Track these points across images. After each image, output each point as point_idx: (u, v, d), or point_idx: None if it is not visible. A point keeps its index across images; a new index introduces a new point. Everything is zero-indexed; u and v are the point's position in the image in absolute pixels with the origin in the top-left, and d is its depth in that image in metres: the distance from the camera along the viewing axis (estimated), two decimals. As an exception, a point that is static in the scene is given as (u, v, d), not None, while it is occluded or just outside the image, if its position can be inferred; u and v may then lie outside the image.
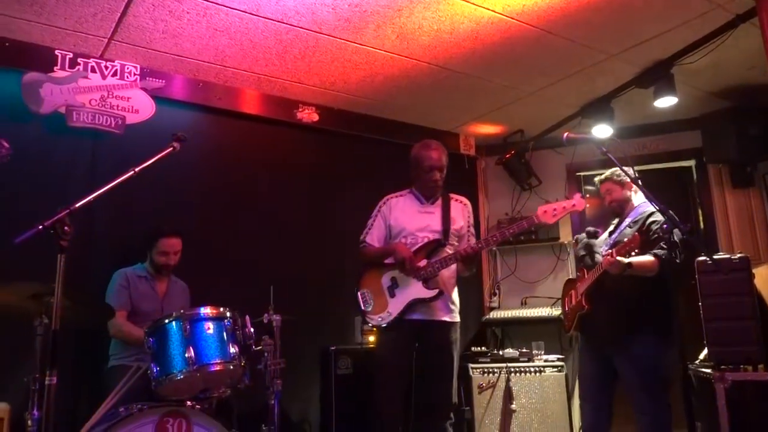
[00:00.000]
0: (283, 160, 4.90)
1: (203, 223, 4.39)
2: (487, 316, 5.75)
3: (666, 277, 3.38)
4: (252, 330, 3.29)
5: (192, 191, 4.41)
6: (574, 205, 3.17)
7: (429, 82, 4.61)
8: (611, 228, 3.77)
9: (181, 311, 3.10)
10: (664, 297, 3.42)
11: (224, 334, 3.12)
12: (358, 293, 3.37)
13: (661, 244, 3.28)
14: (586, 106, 5.15)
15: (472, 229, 3.48)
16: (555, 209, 3.15)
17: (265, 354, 3.40)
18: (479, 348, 5.18)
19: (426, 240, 3.32)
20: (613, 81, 4.74)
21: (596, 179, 3.87)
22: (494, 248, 6.11)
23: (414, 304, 3.23)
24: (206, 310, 3.14)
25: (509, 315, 5.61)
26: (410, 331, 3.25)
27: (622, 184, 3.69)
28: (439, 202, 3.44)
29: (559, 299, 4.59)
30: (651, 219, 3.49)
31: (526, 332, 5.52)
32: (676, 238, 3.31)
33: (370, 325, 3.37)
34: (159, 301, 3.77)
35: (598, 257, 3.55)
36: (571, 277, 3.90)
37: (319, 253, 4.92)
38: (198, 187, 4.44)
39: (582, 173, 5.96)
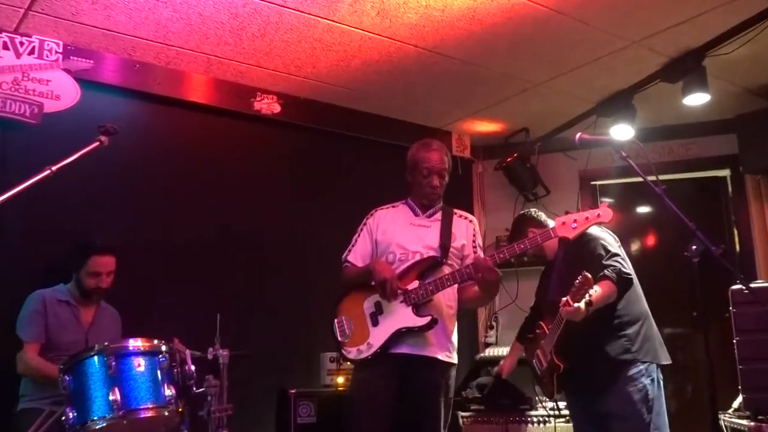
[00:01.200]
0: (238, 161, 4.90)
1: (137, 237, 4.36)
2: (482, 354, 5.76)
3: (624, 292, 3.41)
4: (193, 368, 3.26)
5: (124, 197, 4.38)
6: (599, 216, 3.14)
7: (416, 69, 4.64)
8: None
9: (105, 344, 3.06)
10: (637, 323, 3.46)
11: (158, 372, 3.09)
12: (335, 321, 3.35)
13: (603, 262, 3.34)
14: (603, 102, 5.22)
15: (479, 251, 3.43)
16: (576, 221, 3.11)
17: (209, 397, 3.36)
18: (472, 392, 5.19)
19: (419, 257, 3.33)
20: (635, 73, 4.81)
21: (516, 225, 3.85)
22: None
23: (401, 335, 3.20)
24: (136, 343, 3.10)
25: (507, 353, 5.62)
26: (394, 368, 3.20)
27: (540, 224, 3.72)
28: (439, 215, 3.44)
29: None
30: (584, 239, 3.47)
31: (528, 374, 5.52)
32: (610, 249, 3.36)
33: (348, 359, 3.32)
34: (83, 331, 3.73)
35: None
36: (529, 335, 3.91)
37: (279, 275, 4.90)
38: (131, 191, 4.42)
39: (598, 182, 6.02)
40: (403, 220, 3.44)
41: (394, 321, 3.22)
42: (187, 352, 3.29)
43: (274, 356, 4.64)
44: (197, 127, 4.76)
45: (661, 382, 3.44)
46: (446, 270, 3.28)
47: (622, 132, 5.02)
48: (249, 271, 4.76)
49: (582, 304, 3.19)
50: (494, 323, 6.07)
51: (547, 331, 3.55)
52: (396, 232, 3.39)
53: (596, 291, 3.26)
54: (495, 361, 5.64)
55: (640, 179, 3.42)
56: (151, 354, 3.11)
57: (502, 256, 3.15)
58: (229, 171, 4.86)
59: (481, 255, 3.39)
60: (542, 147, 5.87)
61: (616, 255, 3.40)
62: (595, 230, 3.47)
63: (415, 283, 3.24)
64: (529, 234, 3.49)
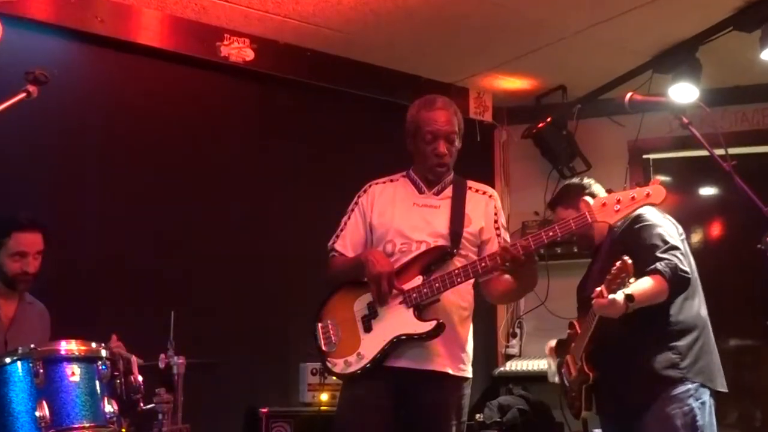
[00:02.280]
0: (200, 121, 4.89)
1: (71, 214, 4.35)
2: (502, 368, 5.79)
3: (678, 294, 3.42)
4: (140, 378, 3.26)
5: (55, 163, 4.37)
6: (648, 195, 3.12)
7: (425, 8, 4.62)
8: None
9: (31, 347, 3.05)
10: (692, 332, 3.47)
11: (96, 383, 3.09)
12: (318, 326, 3.36)
13: (656, 254, 3.36)
14: (660, 55, 5.20)
15: (504, 233, 3.41)
16: (620, 202, 3.08)
17: (160, 416, 3.37)
18: (490, 415, 5.22)
19: (424, 247, 3.35)
20: (701, 19, 4.80)
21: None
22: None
23: (399, 344, 3.21)
24: (70, 347, 3.09)
25: (535, 367, 5.65)
26: (391, 385, 3.21)
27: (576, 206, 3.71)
28: (449, 191, 3.41)
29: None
30: (638, 225, 3.51)
31: (560, 394, 5.56)
32: (669, 240, 3.38)
33: (333, 374, 3.33)
34: (2, 330, 3.73)
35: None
36: (561, 337, 3.97)
37: (250, 264, 4.91)
38: (64, 156, 4.41)
39: (652, 155, 6.02)
40: (404, 199, 3.40)
41: (391, 326, 3.21)
42: (133, 358, 3.29)
43: (242, 366, 4.66)
44: (149, 77, 4.75)
45: (713, 409, 3.45)
46: (458, 262, 3.26)
47: (683, 93, 5.01)
48: (211, 260, 4.77)
49: (619, 297, 3.20)
50: (518, 330, 6.08)
51: (578, 332, 3.59)
52: (396, 216, 3.36)
53: (641, 284, 3.27)
54: (518, 377, 5.68)
55: (704, 153, 3.42)
56: (87, 360, 3.10)
57: (535, 241, 3.09)
58: (189, 133, 4.85)
59: (506, 237, 3.39)
60: (582, 110, 5.86)
61: (675, 248, 3.39)
62: (653, 214, 3.49)
63: (418, 280, 3.22)
64: (581, 206, 3.49)
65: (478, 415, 5.31)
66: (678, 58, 5.08)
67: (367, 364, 3.20)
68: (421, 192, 3.40)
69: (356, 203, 3.48)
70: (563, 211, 3.71)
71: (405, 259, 3.26)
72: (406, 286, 3.20)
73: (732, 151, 3.23)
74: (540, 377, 5.59)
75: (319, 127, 5.30)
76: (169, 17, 4.70)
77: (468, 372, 3.34)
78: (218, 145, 4.95)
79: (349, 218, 3.47)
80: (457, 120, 3.38)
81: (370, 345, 3.21)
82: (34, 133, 4.23)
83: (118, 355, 3.25)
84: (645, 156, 5.98)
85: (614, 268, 3.19)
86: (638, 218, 3.47)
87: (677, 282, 3.35)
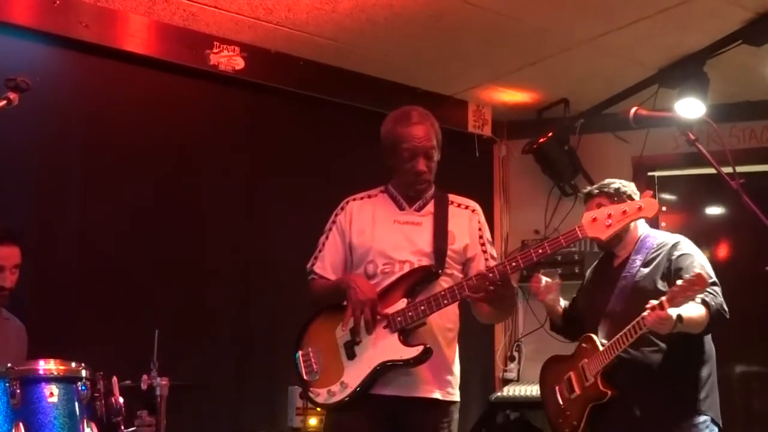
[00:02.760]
0: (187, 131, 4.90)
1: (53, 225, 4.36)
2: (499, 393, 5.78)
3: (712, 331, 3.52)
4: (122, 400, 3.24)
5: (34, 173, 4.37)
6: (640, 209, 3.14)
7: (423, 17, 4.64)
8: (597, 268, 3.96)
9: (8, 366, 3.04)
10: (710, 363, 3.57)
11: (76, 404, 3.07)
12: (299, 354, 3.35)
13: (707, 289, 3.41)
14: (667, 68, 5.23)
15: (489, 248, 3.44)
16: (610, 216, 3.13)
17: (142, 439, 3.37)
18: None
19: (408, 267, 3.34)
20: (709, 31, 4.82)
21: (586, 190, 4.00)
22: (515, 287, 6.14)
23: (384, 371, 3.20)
24: (48, 366, 3.08)
25: (535, 393, 5.63)
26: (378, 413, 3.21)
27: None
28: (431, 207, 3.42)
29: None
30: (678, 252, 3.63)
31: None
32: (712, 274, 3.47)
33: (317, 404, 3.31)
34: (-24, 347, 3.74)
35: (606, 323, 3.67)
36: (560, 353, 4.00)
37: (237, 283, 4.90)
38: (44, 166, 4.41)
39: (657, 172, 6.04)
40: (384, 216, 3.39)
41: (376, 353, 3.19)
42: (114, 379, 3.28)
43: (227, 388, 4.65)
44: (135, 85, 4.75)
45: None
46: (443, 282, 3.26)
47: (690, 108, 5.03)
48: (197, 277, 4.77)
49: (673, 314, 3.25)
50: (516, 354, 6.09)
51: (599, 347, 3.60)
52: (376, 234, 3.34)
53: (693, 309, 3.34)
54: (516, 402, 5.67)
55: (711, 170, 3.45)
56: (67, 381, 3.09)
57: (515, 264, 3.11)
58: (176, 144, 4.86)
59: (493, 252, 3.41)
60: (585, 125, 5.89)
61: (717, 285, 3.47)
62: (689, 244, 3.66)
63: (403, 303, 3.21)
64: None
65: (474, 443, 5.31)
66: (685, 71, 5.11)
67: (351, 393, 3.19)
68: (401, 208, 3.39)
69: (334, 222, 3.46)
70: (607, 202, 3.72)
71: (388, 281, 3.25)
72: (390, 310, 3.19)
73: (740, 168, 3.25)
74: (539, 403, 5.59)
75: (311, 139, 5.31)
76: (156, 23, 4.72)
77: (456, 395, 3.34)
78: (207, 155, 4.96)
79: (327, 238, 3.45)
80: (435, 132, 3.36)
81: (354, 373, 3.20)
82: (14, 142, 4.23)
83: (99, 377, 3.24)
84: (650, 173, 6.00)
85: (685, 280, 3.24)
86: (677, 245, 3.63)
87: (718, 319, 3.43)
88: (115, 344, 4.17)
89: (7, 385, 2.98)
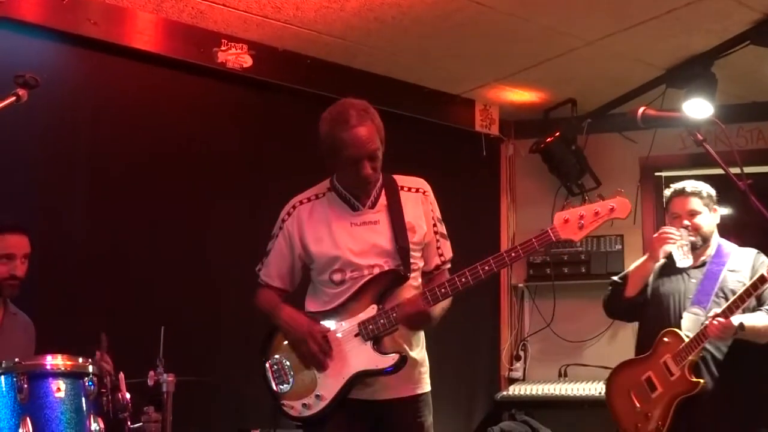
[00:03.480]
0: (194, 128, 4.91)
1: (60, 220, 4.37)
2: (505, 393, 5.78)
3: None
4: (128, 396, 3.25)
5: (42, 169, 4.38)
6: (612, 209, 3.09)
7: (431, 16, 4.64)
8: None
9: (16, 360, 3.05)
10: None
11: (83, 399, 3.08)
12: (267, 364, 3.27)
13: None
14: (675, 68, 5.23)
15: (439, 227, 3.34)
16: (582, 217, 3.07)
17: (148, 436, 3.38)
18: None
19: (377, 271, 3.18)
20: (717, 32, 4.82)
21: (672, 188, 4.01)
22: (521, 286, 6.17)
23: (359, 380, 3.14)
24: (56, 361, 3.09)
25: (540, 392, 5.65)
26: (359, 416, 3.18)
27: (712, 207, 3.96)
28: (383, 200, 3.29)
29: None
30: (761, 259, 3.81)
31: (565, 420, 5.57)
32: None
33: (291, 418, 3.22)
34: (-16, 341, 3.75)
35: (693, 317, 3.78)
36: (631, 357, 4.05)
37: (244, 279, 4.89)
38: (51, 162, 4.42)
39: (664, 173, 6.04)
40: (339, 219, 3.26)
41: (350, 363, 3.13)
42: (121, 375, 3.29)
43: (233, 385, 4.65)
44: (142, 82, 4.76)
45: None
46: (412, 281, 3.20)
47: (697, 109, 5.03)
48: (204, 273, 4.78)
49: (738, 322, 3.43)
50: (522, 353, 6.09)
51: (684, 339, 3.70)
52: (337, 241, 3.22)
53: (758, 319, 3.54)
54: (521, 401, 5.68)
55: (719, 171, 3.45)
56: (74, 376, 3.10)
57: (488, 268, 3.05)
58: (184, 141, 4.87)
59: (443, 231, 3.33)
60: (593, 125, 5.89)
61: None
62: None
63: (373, 309, 3.14)
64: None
65: (479, 442, 5.32)
66: (693, 72, 5.11)
67: (327, 404, 3.14)
68: (355, 209, 3.27)
69: (281, 228, 3.36)
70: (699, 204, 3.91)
71: (355, 288, 3.17)
72: (361, 317, 3.13)
73: (748, 169, 3.26)
74: (545, 402, 5.61)
75: (318, 137, 5.29)
76: (164, 21, 4.72)
77: (427, 385, 3.29)
78: (214, 153, 4.96)
79: (274, 243, 3.37)
80: (377, 128, 3.21)
81: (329, 384, 3.14)
82: (23, 138, 4.25)
83: (105, 372, 3.25)
84: (657, 173, 6.00)
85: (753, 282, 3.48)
86: (759, 255, 3.86)
87: None
88: (121, 340, 4.18)
89: (14, 380, 3.00)
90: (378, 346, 3.12)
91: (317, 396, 3.14)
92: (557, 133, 5.83)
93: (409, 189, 3.33)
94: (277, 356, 3.25)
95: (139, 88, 4.76)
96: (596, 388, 5.47)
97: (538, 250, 3.16)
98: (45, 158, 4.41)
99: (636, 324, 4.23)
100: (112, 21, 4.57)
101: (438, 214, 3.34)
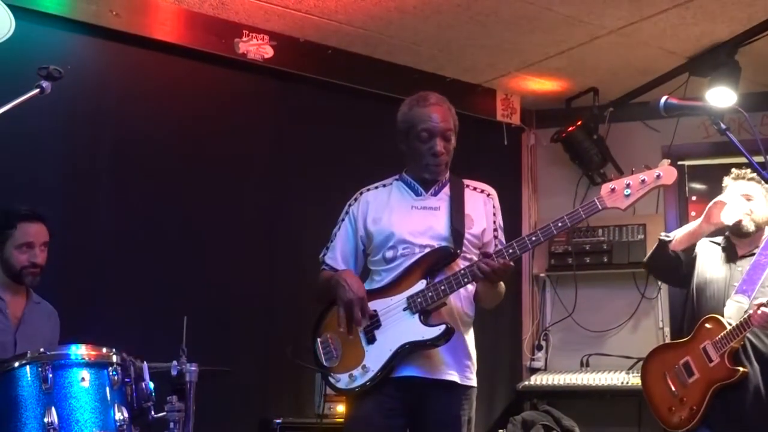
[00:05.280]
0: (216, 118, 4.92)
1: (84, 210, 4.40)
2: (526, 383, 5.78)
3: None
4: (152, 385, 3.27)
5: (66, 159, 4.42)
6: (659, 177, 3.10)
7: (451, 6, 4.64)
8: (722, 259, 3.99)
9: (41, 351, 3.07)
10: None
11: (107, 389, 3.10)
12: (318, 341, 3.34)
13: None
14: (698, 56, 5.19)
15: (500, 234, 3.41)
16: (630, 185, 3.10)
17: (171, 424, 3.37)
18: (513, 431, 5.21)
19: (427, 250, 3.26)
20: (741, 20, 4.78)
21: (733, 173, 3.98)
22: (542, 275, 6.15)
23: (406, 353, 3.18)
24: (80, 351, 3.11)
25: (562, 382, 5.64)
26: (399, 400, 3.20)
27: None
28: (446, 191, 3.39)
29: (640, 360, 4.62)
30: None
31: (587, 410, 5.57)
32: None
33: (338, 390, 3.30)
34: (11, 330, 3.75)
35: (737, 305, 3.77)
36: (667, 341, 4.05)
37: (266, 268, 4.92)
38: (76, 152, 4.45)
39: (687, 162, 5.99)
40: (401, 202, 3.37)
41: (397, 335, 3.17)
42: (145, 365, 3.30)
43: (256, 375, 4.68)
44: (164, 73, 4.78)
45: None
46: (462, 265, 3.22)
47: (721, 97, 5.00)
48: (226, 263, 4.79)
49: None
50: (544, 343, 6.08)
51: (726, 326, 3.69)
52: (394, 221, 3.32)
53: None
54: (543, 391, 5.67)
55: (742, 159, 3.42)
56: (98, 366, 3.12)
57: (534, 238, 3.11)
58: (205, 131, 4.88)
59: (502, 239, 3.38)
60: (615, 114, 5.86)
61: None
62: None
63: (422, 284, 3.19)
64: None
65: (501, 431, 5.30)
66: (716, 60, 5.07)
67: (373, 377, 3.17)
68: (417, 194, 3.36)
69: (347, 212, 3.45)
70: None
71: (407, 263, 3.24)
72: (410, 291, 3.18)
73: (772, 159, 3.21)
74: (567, 392, 5.60)
75: (339, 127, 5.31)
76: (186, 12, 4.73)
77: (474, 381, 3.32)
78: (235, 143, 4.97)
79: (339, 229, 3.45)
80: (452, 116, 3.34)
81: (376, 356, 3.18)
82: (47, 129, 4.28)
83: (129, 362, 3.26)
84: (680, 162, 5.94)
85: None
86: None
87: None
88: (145, 329, 4.21)
89: (39, 369, 3.02)
90: (425, 319, 3.16)
91: (363, 367, 3.18)
92: (579, 122, 5.80)
93: (475, 189, 3.42)
94: (327, 334, 3.31)
95: (161, 79, 4.78)
96: (618, 378, 5.45)
97: (584, 219, 3.15)
98: (69, 149, 4.44)
99: (660, 312, 4.24)
100: (134, 12, 4.59)
101: (501, 222, 3.42)
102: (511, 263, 3.11)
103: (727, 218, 3.79)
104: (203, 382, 3.61)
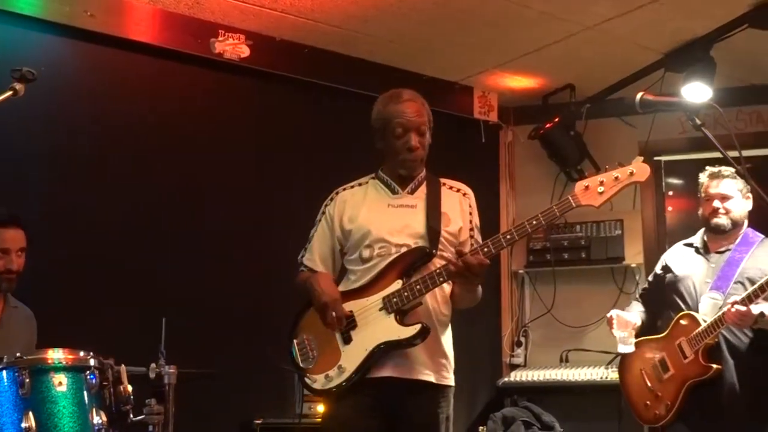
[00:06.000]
0: (192, 118, 4.91)
1: (60, 212, 4.37)
2: (506, 379, 5.79)
3: None
4: (130, 388, 3.25)
5: (39, 161, 4.38)
6: (632, 174, 3.14)
7: (429, 4, 4.63)
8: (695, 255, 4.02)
9: (17, 355, 3.06)
10: None
11: (85, 393, 3.09)
12: (294, 342, 3.34)
13: None
14: (674, 52, 5.21)
15: (476, 234, 3.41)
16: (603, 183, 3.13)
17: (150, 427, 3.36)
18: (494, 427, 5.21)
19: (403, 250, 3.24)
20: (716, 15, 4.80)
21: (708, 171, 4.00)
22: (521, 272, 6.16)
23: (382, 353, 3.17)
24: (57, 355, 3.09)
25: (542, 378, 5.66)
26: (376, 401, 3.20)
27: (745, 193, 3.92)
28: (423, 189, 3.39)
29: (618, 356, 4.65)
30: None
31: (566, 406, 5.60)
32: None
33: (314, 391, 3.27)
34: (-14, 335, 3.75)
35: (711, 301, 3.80)
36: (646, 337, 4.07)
37: (245, 269, 4.91)
38: (54, 153, 4.42)
39: (663, 157, 6.03)
40: (377, 201, 3.37)
41: (373, 335, 3.17)
42: (123, 368, 3.29)
43: (236, 376, 4.65)
44: (140, 74, 4.76)
45: None
46: (438, 264, 3.22)
47: (696, 93, 5.02)
48: (205, 264, 4.77)
49: (759, 311, 3.45)
50: (523, 339, 6.09)
51: (702, 323, 3.71)
52: (370, 219, 3.32)
53: None
54: (523, 387, 5.69)
55: (717, 154, 3.45)
56: (76, 370, 3.10)
57: (509, 237, 3.10)
58: (182, 132, 4.86)
59: (479, 239, 3.36)
60: (592, 110, 5.88)
61: None
62: None
63: (398, 284, 3.20)
64: None
65: (481, 428, 5.32)
66: (692, 55, 5.09)
67: (349, 376, 3.17)
68: (394, 192, 3.37)
69: (323, 213, 3.46)
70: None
71: (383, 263, 3.24)
72: (386, 291, 3.19)
73: (746, 153, 3.25)
74: (546, 388, 5.62)
75: (316, 127, 5.30)
76: (161, 12, 4.71)
77: (451, 380, 3.32)
78: (213, 143, 4.95)
79: (316, 230, 3.45)
80: (427, 112, 3.35)
81: (352, 356, 3.18)
82: (21, 132, 4.24)
83: (107, 365, 3.24)
84: (656, 158, 5.98)
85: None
86: None
87: None
88: (123, 331, 4.18)
89: (16, 374, 3.00)
90: (401, 319, 3.16)
91: (339, 368, 3.19)
92: (556, 119, 5.81)
93: (451, 187, 3.43)
94: (303, 335, 3.32)
95: (137, 80, 4.75)
96: (598, 373, 5.48)
97: (559, 217, 3.17)
98: (44, 151, 4.41)
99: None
100: (109, 12, 4.57)
101: (477, 221, 3.42)
102: (487, 261, 3.09)
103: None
104: (183, 384, 3.59)
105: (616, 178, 3.12)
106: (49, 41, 4.44)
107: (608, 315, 4.01)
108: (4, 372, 3.01)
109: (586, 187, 3.12)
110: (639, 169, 3.13)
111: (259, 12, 4.73)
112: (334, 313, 3.15)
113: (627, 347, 3.87)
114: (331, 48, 5.21)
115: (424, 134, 3.32)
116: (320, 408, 4.56)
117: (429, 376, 3.22)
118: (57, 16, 4.40)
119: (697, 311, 3.79)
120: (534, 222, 3.11)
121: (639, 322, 3.96)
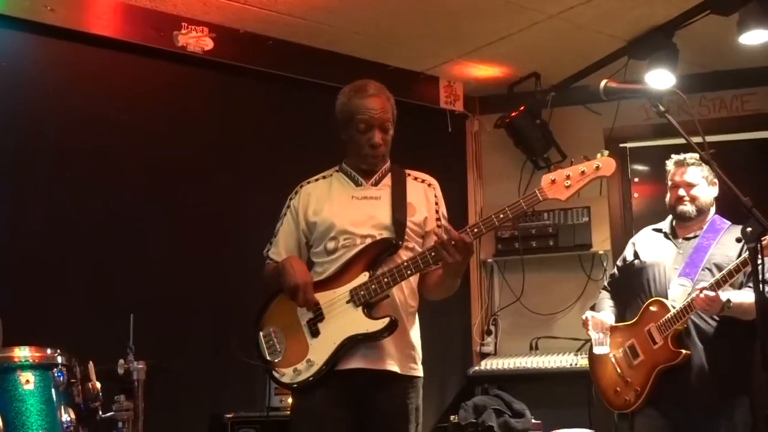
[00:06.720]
0: (157, 111, 4.89)
1: (22, 207, 4.34)
2: (477, 368, 5.82)
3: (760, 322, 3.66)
4: (98, 385, 3.25)
5: (5, 155, 4.34)
6: (598, 168, 3.17)
7: (392, -7, 4.64)
8: (663, 241, 4.06)
9: (-18, 354, 3.06)
10: (751, 349, 3.72)
11: (52, 391, 3.08)
12: (260, 335, 3.33)
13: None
14: (637, 40, 5.25)
15: (444, 223, 3.37)
16: (569, 177, 3.15)
17: (120, 424, 3.36)
18: (465, 416, 5.24)
19: (369, 241, 3.26)
20: (678, 2, 4.84)
21: (673, 158, 4.05)
22: (490, 261, 6.20)
23: (350, 346, 3.19)
24: (24, 353, 3.08)
25: (512, 366, 5.70)
26: (345, 392, 3.21)
27: (711, 180, 3.97)
28: (388, 180, 3.41)
29: (588, 341, 4.70)
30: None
31: (537, 393, 5.62)
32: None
33: (282, 385, 3.26)
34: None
35: (681, 288, 3.84)
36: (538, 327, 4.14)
37: (212, 264, 4.89)
38: (16, 149, 4.39)
39: (628, 144, 6.08)
40: (341, 193, 3.38)
41: (341, 328, 3.19)
42: (91, 364, 3.27)
43: (205, 370, 4.66)
44: (102, 68, 4.73)
45: None
46: (404, 255, 3.25)
47: (659, 79, 5.08)
48: (171, 258, 4.76)
49: (726, 298, 3.49)
50: (493, 327, 6.13)
51: (671, 309, 3.75)
52: (335, 211, 3.33)
53: (744, 296, 3.56)
54: (493, 376, 5.72)
55: (682, 141, 3.47)
56: (43, 367, 3.09)
57: (477, 230, 3.11)
58: (146, 126, 4.83)
59: (448, 227, 3.31)
60: (557, 98, 5.92)
61: None
62: None
63: (365, 276, 3.21)
64: None
65: (452, 417, 5.34)
66: (654, 43, 5.13)
67: (318, 370, 3.18)
68: (358, 184, 3.38)
69: (288, 206, 3.47)
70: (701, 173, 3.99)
71: (349, 255, 3.25)
72: (353, 284, 3.20)
73: (710, 138, 3.27)
74: (516, 376, 5.66)
75: (281, 119, 5.30)
76: (123, 5, 4.68)
77: (419, 371, 3.34)
78: (176, 137, 4.94)
79: (281, 224, 3.46)
80: (391, 106, 3.35)
81: (320, 350, 3.19)
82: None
83: (75, 362, 3.23)
84: (622, 145, 6.03)
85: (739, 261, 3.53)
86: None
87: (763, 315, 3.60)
88: (90, 328, 4.16)
89: (-19, 374, 2.98)
90: (369, 312, 3.17)
91: (308, 361, 3.19)
92: (522, 108, 5.84)
93: (416, 178, 3.45)
94: (270, 328, 3.31)
95: (99, 74, 4.72)
96: (567, 360, 5.53)
97: (526, 211, 3.20)
98: (6, 146, 4.36)
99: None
100: (70, 6, 4.53)
101: (444, 211, 3.43)
102: (472, 238, 3.10)
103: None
104: (152, 380, 3.59)
105: (583, 172, 3.16)
106: (9, 36, 4.40)
107: (583, 317, 4.04)
108: (-30, 371, 2.99)
109: (553, 181, 3.15)
110: (605, 164, 3.17)
111: (222, 4, 4.72)
112: (304, 294, 3.17)
113: (602, 348, 3.92)
114: (295, 39, 5.20)
115: (388, 131, 3.33)
116: (290, 401, 4.58)
117: (396, 367, 3.23)
118: (17, 11, 4.36)
119: (666, 297, 3.84)
120: (501, 215, 3.13)
121: (612, 323, 4.01)
